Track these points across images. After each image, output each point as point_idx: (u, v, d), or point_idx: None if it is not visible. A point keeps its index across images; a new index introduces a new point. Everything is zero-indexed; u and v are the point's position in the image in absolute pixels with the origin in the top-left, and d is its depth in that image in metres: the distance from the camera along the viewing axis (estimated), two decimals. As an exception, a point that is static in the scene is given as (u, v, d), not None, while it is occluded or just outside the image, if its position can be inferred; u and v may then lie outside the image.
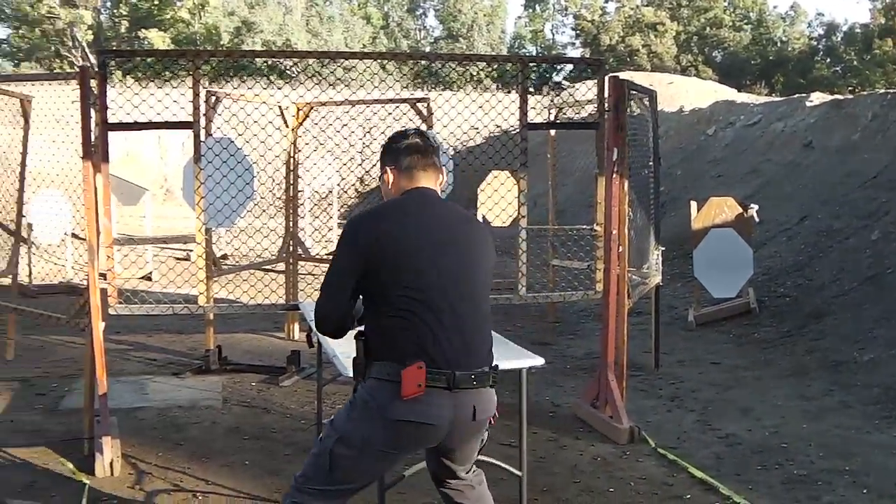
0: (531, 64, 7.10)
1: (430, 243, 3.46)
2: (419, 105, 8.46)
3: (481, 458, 4.39)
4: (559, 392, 7.62)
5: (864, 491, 5.38)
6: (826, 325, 9.19)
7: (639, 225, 7.32)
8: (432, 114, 8.33)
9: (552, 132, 9.08)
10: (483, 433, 3.66)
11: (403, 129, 3.83)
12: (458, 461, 3.69)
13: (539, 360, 4.32)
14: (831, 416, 6.87)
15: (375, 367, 3.41)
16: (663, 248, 8.52)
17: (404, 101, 9.05)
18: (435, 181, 3.65)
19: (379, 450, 3.41)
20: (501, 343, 4.71)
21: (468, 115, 7.62)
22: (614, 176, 6.42)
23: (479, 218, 13.49)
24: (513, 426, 6.61)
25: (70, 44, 49.04)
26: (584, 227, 7.19)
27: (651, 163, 7.97)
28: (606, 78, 6.68)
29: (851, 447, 6.17)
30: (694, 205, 10.28)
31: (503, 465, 4.46)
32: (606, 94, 6.62)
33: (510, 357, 4.34)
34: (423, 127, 8.39)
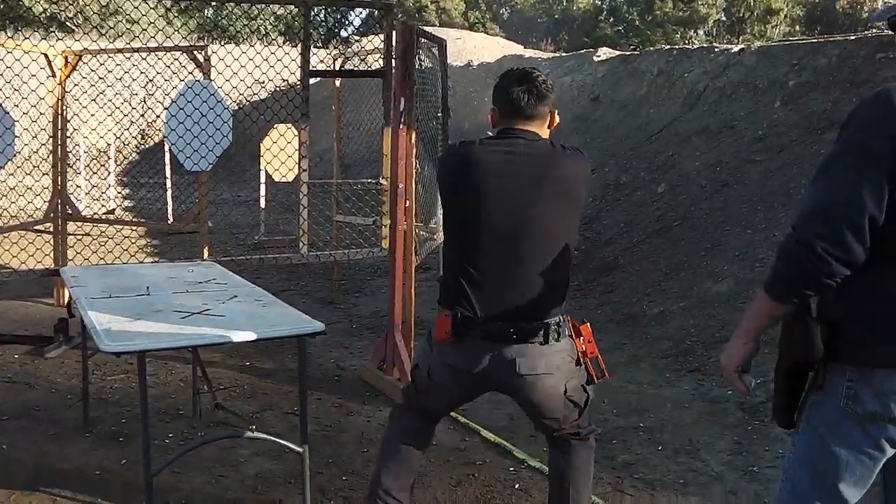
0: (316, 7, 6.66)
1: (497, 182, 3.31)
2: (196, 53, 7.82)
3: (259, 435, 4.06)
4: (345, 354, 7.23)
5: (660, 448, 5.27)
6: (615, 278, 9.19)
7: (427, 179, 6.98)
8: (209, 61, 7.70)
9: (337, 82, 8.64)
10: (571, 394, 3.46)
11: (521, 69, 3.54)
12: (540, 421, 3.62)
13: (319, 326, 3.92)
14: (623, 370, 6.76)
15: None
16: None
17: (180, 48, 8.39)
18: (539, 126, 3.46)
19: (436, 381, 3.51)
20: (278, 306, 4.36)
21: (252, 67, 7.15)
22: (401, 127, 6.03)
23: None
24: (296, 393, 6.24)
25: None
26: (370, 180, 6.79)
27: (440, 114, 7.63)
28: (395, 24, 6.31)
29: (645, 403, 6.09)
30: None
31: (282, 441, 4.06)
32: (394, 42, 6.24)
33: (286, 323, 4.00)
34: (200, 76, 7.78)
